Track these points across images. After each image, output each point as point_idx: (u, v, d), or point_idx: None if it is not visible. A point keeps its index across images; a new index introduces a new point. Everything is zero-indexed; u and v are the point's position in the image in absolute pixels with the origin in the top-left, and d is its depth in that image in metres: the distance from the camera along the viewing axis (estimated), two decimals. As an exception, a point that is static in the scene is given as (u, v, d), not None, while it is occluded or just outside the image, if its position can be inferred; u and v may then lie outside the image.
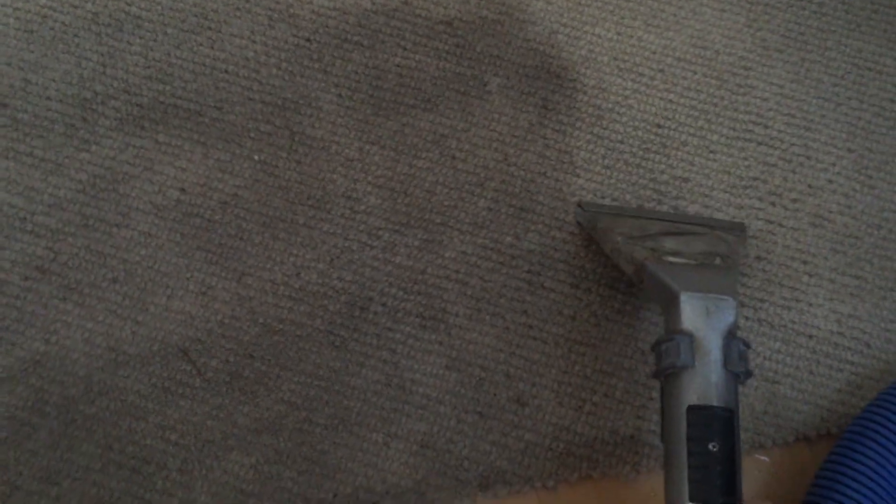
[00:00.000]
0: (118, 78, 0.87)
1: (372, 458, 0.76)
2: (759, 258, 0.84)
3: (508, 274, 0.83)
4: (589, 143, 0.88)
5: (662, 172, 0.87)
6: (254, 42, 0.89)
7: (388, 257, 0.83)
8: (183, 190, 0.84)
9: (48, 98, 0.86)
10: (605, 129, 0.88)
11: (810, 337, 0.82)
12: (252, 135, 0.86)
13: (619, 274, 0.82)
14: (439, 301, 0.81)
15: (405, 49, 0.90)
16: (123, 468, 0.75)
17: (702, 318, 0.67)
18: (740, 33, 0.93)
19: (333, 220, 0.83)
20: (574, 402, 0.79)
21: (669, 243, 0.76)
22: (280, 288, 0.81)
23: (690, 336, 0.66)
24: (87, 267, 0.81)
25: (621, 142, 0.88)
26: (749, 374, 0.67)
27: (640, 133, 0.88)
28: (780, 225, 0.85)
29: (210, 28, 0.90)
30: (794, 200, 0.86)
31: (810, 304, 0.83)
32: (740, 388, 0.69)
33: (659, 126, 0.89)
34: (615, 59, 0.91)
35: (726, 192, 0.86)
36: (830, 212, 0.86)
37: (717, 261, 0.74)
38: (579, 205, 0.83)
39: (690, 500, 0.62)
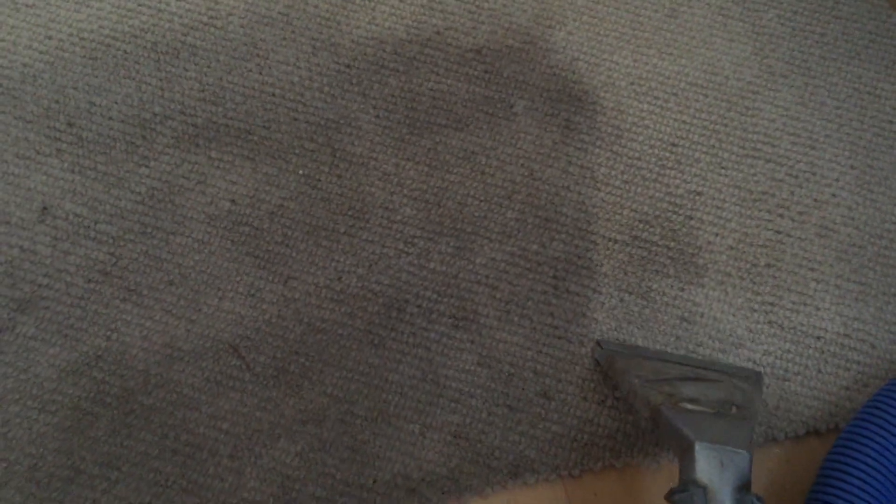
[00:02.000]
0: (175, 100, 0.95)
1: (409, 448, 0.81)
2: (768, 265, 0.90)
3: (535, 279, 0.88)
4: (609, 160, 0.94)
5: (678, 187, 0.93)
6: (299, 68, 0.97)
7: (423, 263, 0.89)
8: (233, 201, 0.91)
9: (111, 118, 0.94)
10: (623, 147, 0.95)
11: (818, 338, 0.87)
12: (297, 151, 0.93)
13: (636, 281, 0.88)
14: (471, 303, 0.87)
15: (438, 74, 0.98)
16: (178, 454, 0.80)
17: (716, 470, 0.66)
18: (748, 60, 1.00)
19: (372, 229, 0.90)
20: (597, 396, 0.84)
21: (686, 389, 0.76)
22: (323, 291, 0.87)
23: (704, 489, 0.65)
24: (146, 271, 0.87)
25: (639, 158, 0.94)
26: None
27: (656, 151, 0.95)
28: (788, 235, 0.91)
29: (259, 55, 0.98)
30: (801, 213, 0.92)
31: (818, 308, 0.88)
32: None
33: (674, 144, 0.95)
34: (632, 83, 0.98)
35: (737, 204, 0.93)
36: (835, 223, 0.92)
37: (734, 410, 0.74)
38: (598, 343, 0.85)
39: None
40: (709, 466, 0.66)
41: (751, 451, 0.67)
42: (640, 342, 0.86)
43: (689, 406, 0.73)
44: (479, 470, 0.81)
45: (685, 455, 0.68)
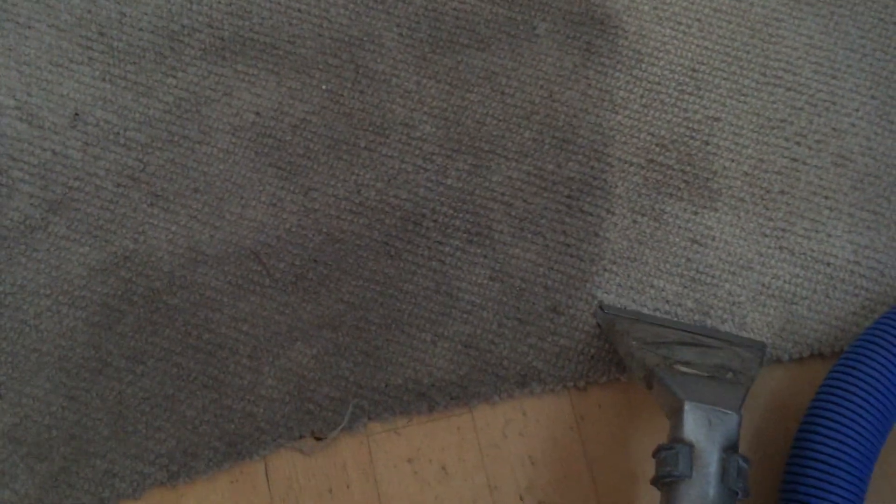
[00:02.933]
0: (203, 13, 0.96)
1: (420, 355, 0.84)
2: (782, 192, 0.91)
3: (549, 198, 0.90)
4: (628, 84, 0.95)
5: (696, 112, 0.94)
6: (324, -15, 0.98)
7: (441, 179, 0.91)
8: (258, 114, 0.93)
9: (141, 29, 0.96)
10: (643, 71, 0.95)
11: (828, 264, 0.88)
12: (321, 67, 0.95)
13: (649, 203, 0.89)
14: (485, 220, 0.89)
15: (461, -6, 0.98)
16: (200, 352, 0.84)
17: (703, 429, 0.66)
18: (774, -12, 0.99)
19: (391, 144, 0.92)
20: (606, 312, 0.86)
21: (683, 353, 0.76)
22: (342, 202, 0.90)
23: (690, 446, 0.66)
24: (172, 177, 0.90)
25: (658, 83, 0.95)
26: (747, 492, 0.66)
27: (676, 76, 0.95)
28: (804, 163, 0.92)
29: (285, -29, 0.99)
30: (819, 141, 0.93)
31: (829, 235, 0.89)
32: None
33: (694, 70, 0.96)
34: (655, 8, 0.98)
35: (755, 132, 0.93)
36: (852, 153, 0.92)
37: (729, 375, 0.74)
38: (600, 306, 0.86)
39: None
40: (696, 426, 0.67)
41: (740, 413, 0.68)
42: (650, 261, 0.88)
43: (684, 368, 0.73)
44: (487, 378, 0.84)
45: (674, 414, 0.69)
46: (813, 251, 0.89)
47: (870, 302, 0.87)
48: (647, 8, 0.98)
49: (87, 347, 0.84)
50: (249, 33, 0.96)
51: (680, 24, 0.98)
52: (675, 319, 0.86)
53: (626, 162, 0.92)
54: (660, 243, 0.89)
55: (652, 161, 0.92)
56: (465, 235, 0.89)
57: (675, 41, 0.97)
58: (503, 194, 0.90)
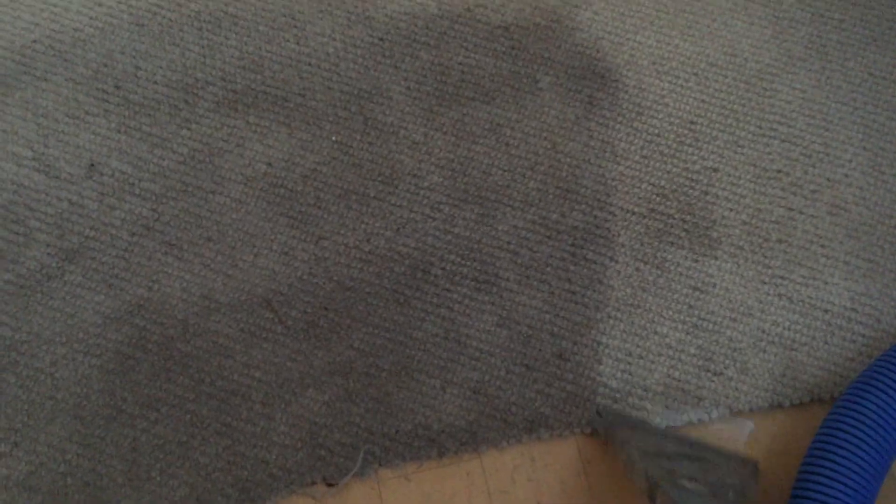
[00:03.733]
0: (216, 67, 0.99)
1: (430, 401, 0.86)
2: (780, 241, 0.93)
3: (554, 246, 0.93)
4: (629, 136, 0.98)
5: (695, 163, 0.97)
6: (334, 39, 1.01)
7: (448, 228, 0.93)
8: (270, 164, 0.95)
9: (156, 83, 0.98)
10: (644, 123, 0.99)
11: (826, 311, 0.91)
12: (331, 119, 0.97)
13: (651, 251, 0.92)
14: (492, 267, 0.91)
15: (467, 49, 1.02)
16: (213, 399, 0.85)
17: None
18: (767, 44, 1.03)
19: (400, 194, 0.94)
20: (610, 360, 0.88)
21: (686, 467, 0.76)
22: (352, 251, 0.92)
23: None
24: (186, 227, 0.92)
25: (658, 135, 0.98)
26: None
27: (675, 128, 0.98)
28: (801, 212, 0.95)
29: (296, 26, 1.02)
30: (814, 191, 0.96)
31: (826, 283, 0.92)
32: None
33: (692, 122, 0.99)
34: (654, 63, 1.02)
35: (752, 181, 0.96)
36: (846, 202, 0.95)
37: (731, 494, 0.73)
38: (598, 412, 0.85)
39: None
40: None
41: None
42: (653, 308, 0.90)
43: (688, 484, 0.73)
44: (496, 424, 0.85)
45: None
46: (811, 298, 0.91)
47: (867, 348, 0.89)
48: (646, 63, 1.02)
49: (101, 395, 0.85)
50: (261, 86, 0.99)
51: (678, 78, 1.01)
52: (672, 429, 0.86)
53: (628, 211, 0.94)
54: (662, 290, 0.91)
55: (653, 210, 0.95)
56: (472, 283, 0.91)
57: (674, 94, 1.00)
58: (509, 243, 0.93)
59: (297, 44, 1.01)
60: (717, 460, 0.80)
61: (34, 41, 1.00)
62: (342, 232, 0.93)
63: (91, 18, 1.01)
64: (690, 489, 0.73)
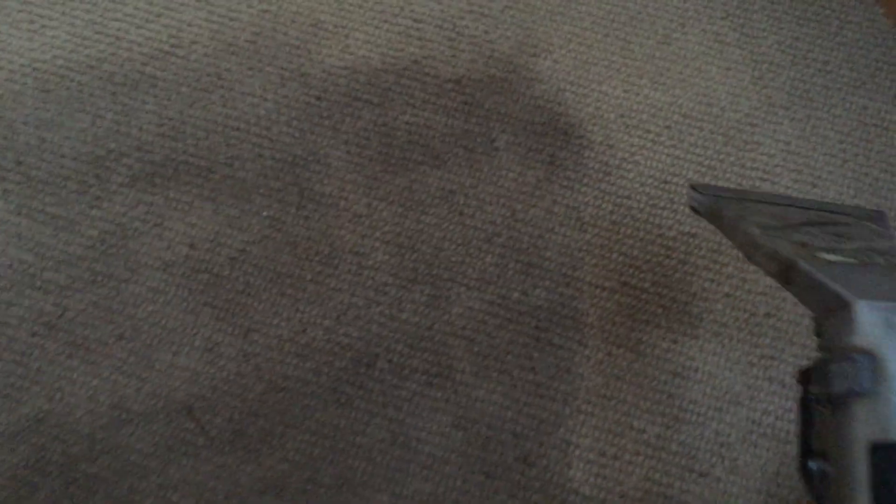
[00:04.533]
0: (132, 136, 0.88)
1: (376, 519, 0.75)
2: (768, 315, 0.83)
3: (516, 330, 0.82)
4: (596, 199, 0.88)
5: (670, 228, 0.87)
6: (265, 100, 0.91)
7: (395, 313, 0.82)
8: (192, 245, 0.84)
9: (62, 156, 0.87)
10: (612, 184, 0.88)
11: (823, 396, 0.80)
12: (262, 191, 0.87)
13: (625, 332, 0.82)
14: (446, 358, 0.81)
15: (414, 107, 0.91)
16: (125, 528, 0.74)
17: (882, 333, 0.53)
18: (746, 91, 0.94)
19: (340, 276, 0.84)
20: (582, 463, 0.77)
21: (819, 237, 0.64)
22: (286, 344, 0.81)
23: (871, 356, 0.52)
24: (94, 323, 0.81)
25: (628, 197, 0.88)
26: None
27: (647, 189, 0.88)
28: (790, 282, 0.85)
29: (223, 87, 0.91)
30: (804, 257, 0.86)
31: (822, 363, 0.82)
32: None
33: (666, 182, 0.89)
34: (622, 116, 0.92)
35: (735, 248, 0.86)
36: (841, 268, 0.85)
37: (880, 260, 0.61)
38: (693, 187, 0.71)
39: None
40: (874, 329, 0.52)
41: None
42: (629, 399, 0.80)
43: (830, 257, 0.59)
44: (452, 544, 0.74)
45: (839, 317, 0.53)
46: (805, 381, 0.81)
47: (871, 437, 0.79)
48: (612, 116, 0.92)
49: (-7, 529, 0.73)
50: (183, 156, 0.88)
51: (649, 132, 0.91)
52: (783, 194, 0.72)
53: (597, 286, 0.84)
54: (638, 378, 0.81)
55: (625, 284, 0.84)
56: (423, 377, 0.80)
57: (645, 151, 0.90)
58: (464, 328, 0.82)
59: (224, 106, 0.90)
60: (845, 220, 0.67)
61: (-76, 112, 0.89)
62: (274, 322, 0.82)
63: (-12, 85, 0.90)
64: (834, 262, 0.58)
